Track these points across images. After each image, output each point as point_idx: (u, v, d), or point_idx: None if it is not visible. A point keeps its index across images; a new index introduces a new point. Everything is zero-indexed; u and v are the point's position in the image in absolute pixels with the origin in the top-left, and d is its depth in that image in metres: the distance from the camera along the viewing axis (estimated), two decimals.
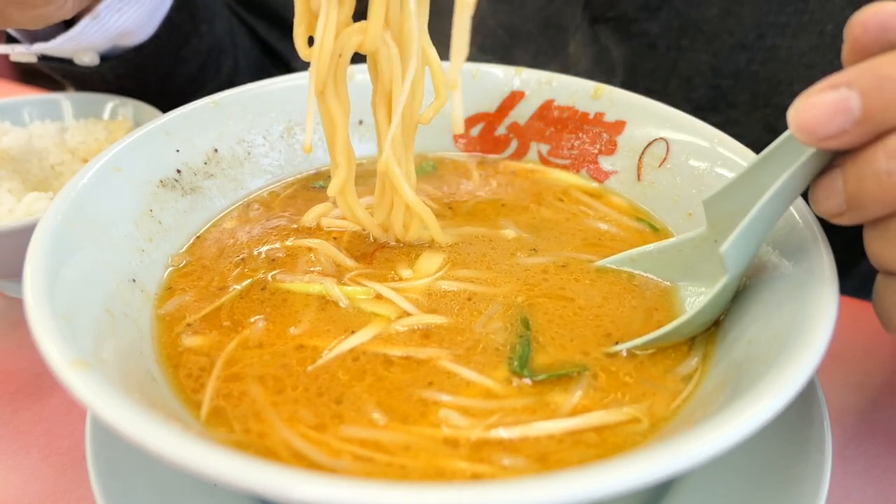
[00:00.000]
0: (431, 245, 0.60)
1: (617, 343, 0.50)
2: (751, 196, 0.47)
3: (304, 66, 0.75)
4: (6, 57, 0.82)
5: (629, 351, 0.50)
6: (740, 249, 0.45)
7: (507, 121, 0.75)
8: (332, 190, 0.56)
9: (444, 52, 0.53)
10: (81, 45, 0.80)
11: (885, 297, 0.44)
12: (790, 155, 0.44)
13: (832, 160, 0.42)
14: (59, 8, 0.68)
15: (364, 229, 0.61)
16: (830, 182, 0.41)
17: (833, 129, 0.38)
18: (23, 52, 0.81)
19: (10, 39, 0.85)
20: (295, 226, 0.62)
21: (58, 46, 0.79)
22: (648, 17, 0.87)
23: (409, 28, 0.50)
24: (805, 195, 0.45)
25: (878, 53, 0.38)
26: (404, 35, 0.51)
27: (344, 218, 0.63)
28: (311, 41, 0.51)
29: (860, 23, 0.39)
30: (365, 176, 0.58)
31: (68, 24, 0.78)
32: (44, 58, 0.84)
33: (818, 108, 0.38)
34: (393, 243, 0.60)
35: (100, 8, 0.76)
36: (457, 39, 0.45)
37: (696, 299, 0.54)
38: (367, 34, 0.50)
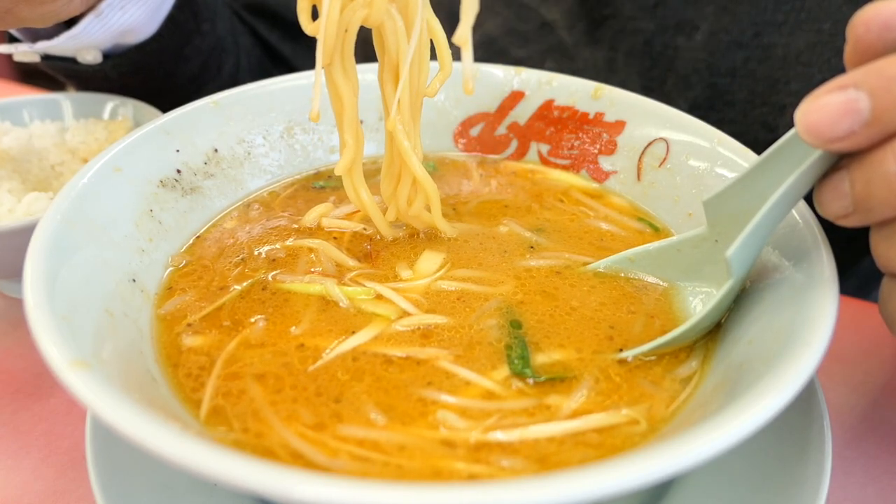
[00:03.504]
0: (432, 239, 0.60)
1: (622, 350, 0.50)
2: (752, 197, 0.47)
3: (306, 66, 0.76)
4: (6, 57, 0.82)
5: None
6: (745, 253, 0.45)
7: (507, 121, 0.75)
8: (339, 169, 0.56)
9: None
10: (84, 43, 0.80)
11: (892, 301, 0.44)
12: (794, 157, 0.44)
13: (837, 162, 0.42)
14: (67, 3, 0.68)
15: (365, 229, 0.61)
16: (837, 184, 0.41)
17: (841, 130, 0.37)
18: (26, 52, 0.81)
19: (12, 39, 0.85)
20: (295, 226, 0.62)
21: (61, 45, 0.79)
22: (644, 16, 0.87)
23: (415, 0, 0.50)
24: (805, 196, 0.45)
25: (881, 52, 0.38)
26: (410, 7, 0.51)
27: (345, 218, 0.63)
28: (314, 16, 0.51)
29: (863, 21, 0.39)
30: (366, 175, 0.58)
31: (70, 22, 0.78)
32: (46, 57, 0.85)
33: (826, 110, 0.38)
34: (390, 235, 0.60)
35: (103, 6, 0.76)
36: None
37: (696, 299, 0.54)
38: (373, 7, 0.50)
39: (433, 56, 0.54)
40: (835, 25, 0.78)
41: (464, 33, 0.45)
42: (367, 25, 0.51)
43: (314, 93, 0.50)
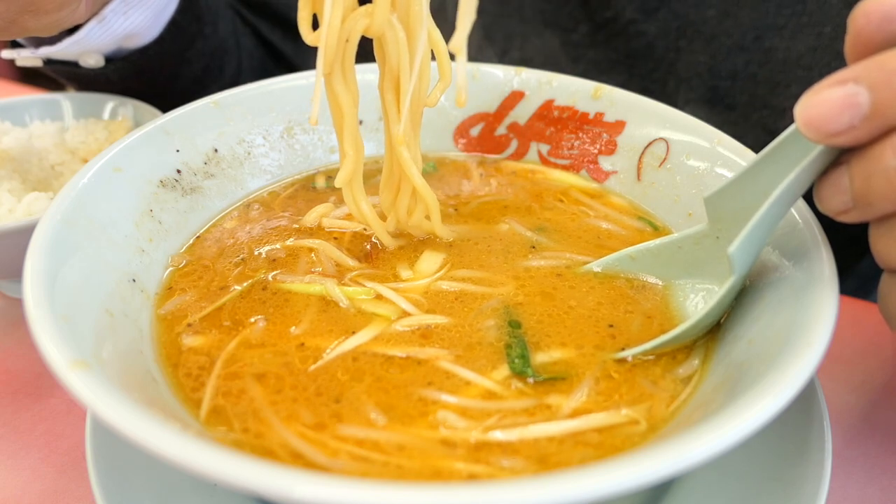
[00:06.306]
0: (432, 240, 0.60)
1: (623, 349, 0.50)
2: (753, 194, 0.47)
3: (308, 66, 0.75)
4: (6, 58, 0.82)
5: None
6: (747, 249, 0.45)
7: (507, 121, 0.75)
8: (339, 181, 0.55)
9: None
10: (87, 48, 0.81)
11: (891, 297, 0.44)
12: (795, 153, 0.44)
13: (837, 157, 0.41)
14: (71, 13, 0.68)
15: (365, 229, 0.61)
16: (836, 179, 0.41)
17: (841, 125, 0.37)
18: (29, 57, 0.81)
19: (15, 44, 0.85)
20: (296, 226, 0.62)
21: (63, 50, 0.79)
22: (646, 18, 0.87)
23: (417, 10, 0.50)
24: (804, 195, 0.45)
25: (881, 45, 0.38)
26: (411, 17, 0.50)
27: (345, 218, 0.63)
28: (315, 26, 0.51)
29: (864, 13, 0.38)
30: (365, 175, 0.58)
31: (74, 28, 0.78)
32: (49, 61, 0.85)
33: (826, 104, 0.38)
34: (389, 244, 0.60)
35: (105, 11, 0.76)
36: (464, 5, 0.45)
37: (697, 297, 0.54)
38: (374, 17, 0.50)
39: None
40: (835, 29, 0.78)
41: (459, 41, 0.45)
42: (369, 35, 0.51)
43: (314, 102, 0.49)
